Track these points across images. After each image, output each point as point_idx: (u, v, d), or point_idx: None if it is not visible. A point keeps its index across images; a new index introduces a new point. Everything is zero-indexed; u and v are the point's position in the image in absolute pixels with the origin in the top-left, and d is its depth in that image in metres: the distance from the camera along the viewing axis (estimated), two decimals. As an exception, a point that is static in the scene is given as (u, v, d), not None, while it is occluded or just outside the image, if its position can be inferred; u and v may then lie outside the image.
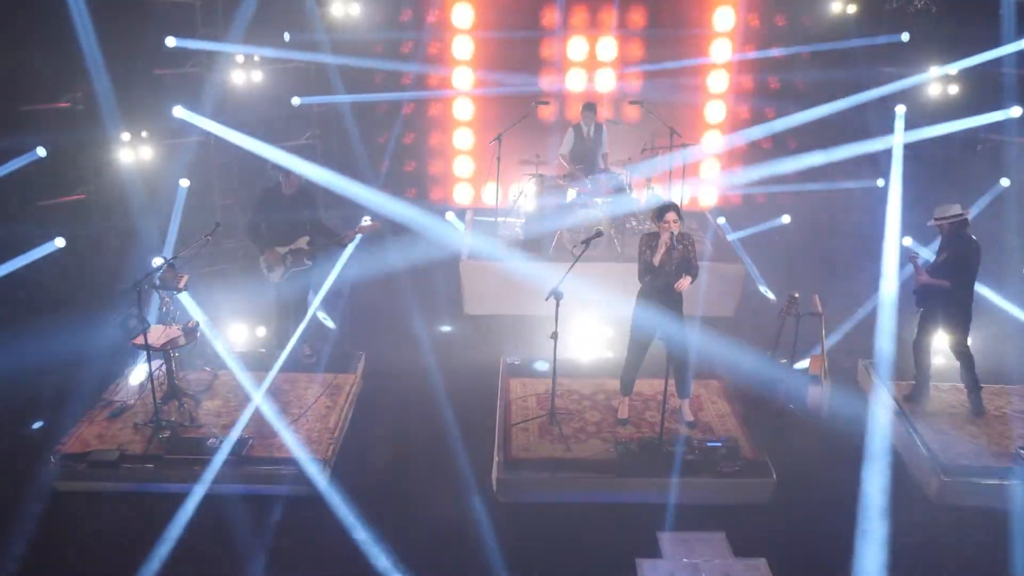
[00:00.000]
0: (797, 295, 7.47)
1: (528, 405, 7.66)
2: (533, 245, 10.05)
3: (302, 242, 8.12)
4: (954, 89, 11.32)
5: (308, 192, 8.40)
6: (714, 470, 6.66)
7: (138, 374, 7.83)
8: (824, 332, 7.69)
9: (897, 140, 11.05)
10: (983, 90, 11.06)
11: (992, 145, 11.26)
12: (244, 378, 7.80)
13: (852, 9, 11.88)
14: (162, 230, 9.98)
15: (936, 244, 7.84)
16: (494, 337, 9.20)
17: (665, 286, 6.84)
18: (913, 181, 10.82)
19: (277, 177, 8.13)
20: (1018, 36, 10.42)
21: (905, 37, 11.33)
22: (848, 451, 7.19)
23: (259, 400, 7.44)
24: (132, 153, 10.08)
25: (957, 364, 7.67)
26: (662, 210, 6.75)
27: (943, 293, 7.36)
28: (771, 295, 10.13)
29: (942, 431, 7.33)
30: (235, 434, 7.00)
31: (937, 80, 11.38)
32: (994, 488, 6.69)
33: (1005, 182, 10.59)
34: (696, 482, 6.62)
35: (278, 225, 8.05)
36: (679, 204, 7.29)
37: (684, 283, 6.83)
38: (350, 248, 9.45)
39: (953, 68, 11.15)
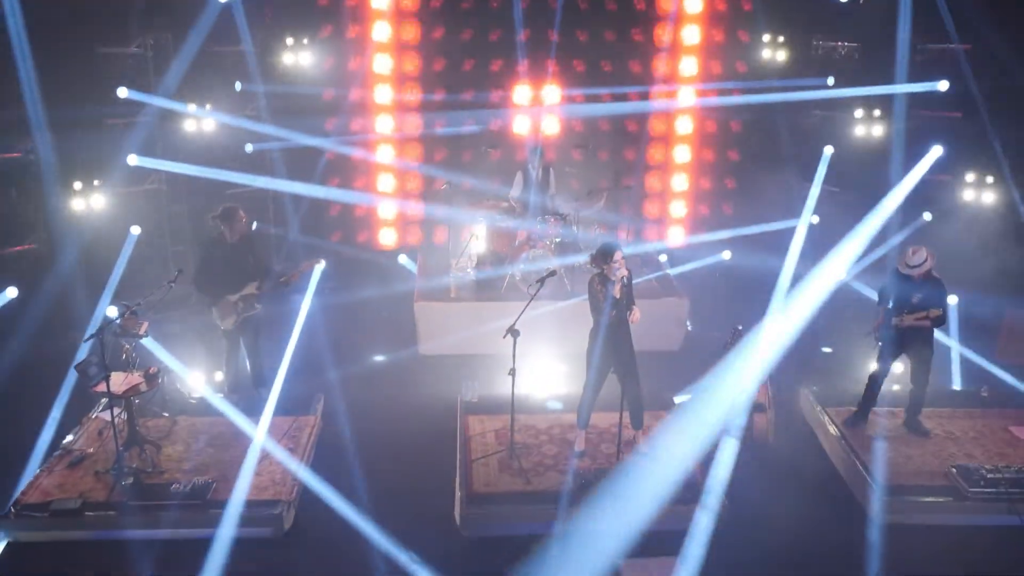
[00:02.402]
0: (740, 327, 7.82)
1: (487, 441, 7.84)
2: (485, 285, 10.28)
3: (251, 287, 8.20)
4: (878, 130, 11.96)
5: (250, 237, 8.47)
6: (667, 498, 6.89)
7: (97, 422, 7.82)
8: (767, 362, 8.04)
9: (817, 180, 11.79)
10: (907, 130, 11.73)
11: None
12: (242, 422, 7.90)
13: (781, 56, 12.52)
14: (117, 278, 9.96)
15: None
16: (450, 376, 9.36)
17: (618, 320, 7.12)
18: (839, 218, 11.47)
19: (219, 227, 8.16)
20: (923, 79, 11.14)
21: (831, 81, 11.95)
22: (794, 476, 7.52)
23: (260, 440, 7.49)
24: (83, 202, 10.10)
25: (900, 388, 8.10)
26: (610, 249, 7.05)
27: (919, 329, 7.77)
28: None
29: (881, 453, 7.69)
30: (199, 478, 7.04)
31: (862, 121, 12.04)
32: (932, 505, 7.06)
33: (927, 216, 11.19)
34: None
35: (226, 274, 8.11)
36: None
37: (637, 315, 7.13)
38: (313, 285, 9.56)
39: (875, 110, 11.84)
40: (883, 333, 7.92)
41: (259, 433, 7.69)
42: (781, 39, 12.54)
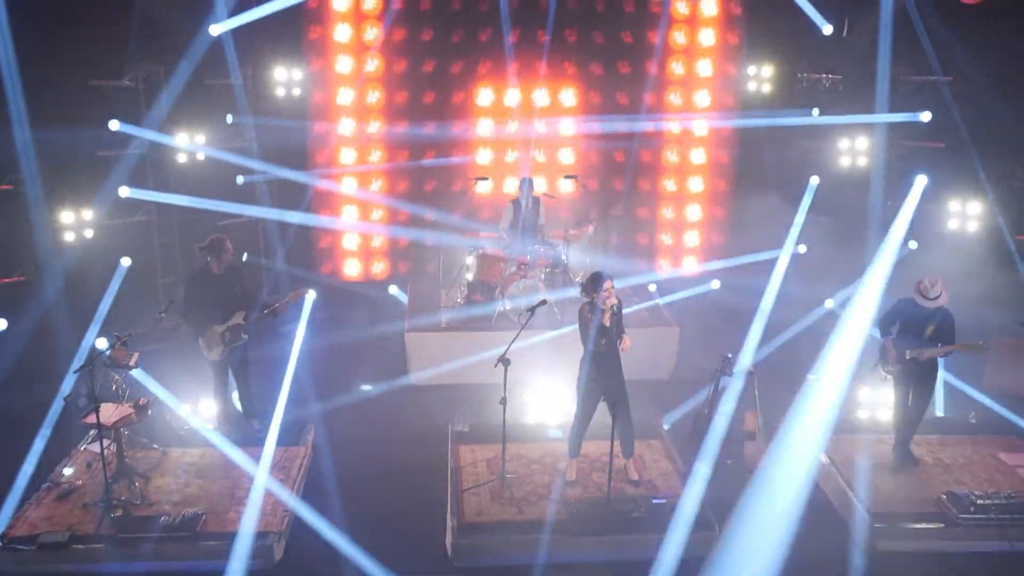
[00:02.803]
0: (730, 355, 7.86)
1: (479, 470, 7.83)
2: (476, 315, 10.30)
3: (238, 317, 8.19)
4: (863, 160, 12.13)
5: (237, 267, 8.49)
6: (660, 526, 6.89)
7: (85, 454, 7.77)
8: (757, 390, 8.08)
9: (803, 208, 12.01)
10: (890, 158, 11.93)
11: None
12: (232, 453, 7.89)
13: (767, 88, 12.72)
14: (105, 310, 9.94)
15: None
16: (441, 405, 9.35)
17: (608, 349, 7.16)
18: (821, 247, 11.69)
19: (205, 258, 8.16)
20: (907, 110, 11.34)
21: (815, 112, 12.14)
22: (785, 503, 7.53)
23: (263, 479, 7.43)
24: (73, 233, 10.12)
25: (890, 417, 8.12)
26: (599, 279, 7.10)
27: (930, 360, 7.72)
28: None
29: (871, 481, 7.71)
30: (189, 509, 7.00)
31: (847, 152, 12.22)
32: (922, 532, 7.08)
33: (913, 244, 11.32)
34: (644, 539, 6.83)
35: (213, 305, 8.11)
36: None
37: (627, 343, 7.17)
38: (305, 315, 9.57)
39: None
40: (896, 366, 7.81)
41: (261, 463, 7.68)
42: (767, 72, 12.75)
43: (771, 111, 12.32)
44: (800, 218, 11.96)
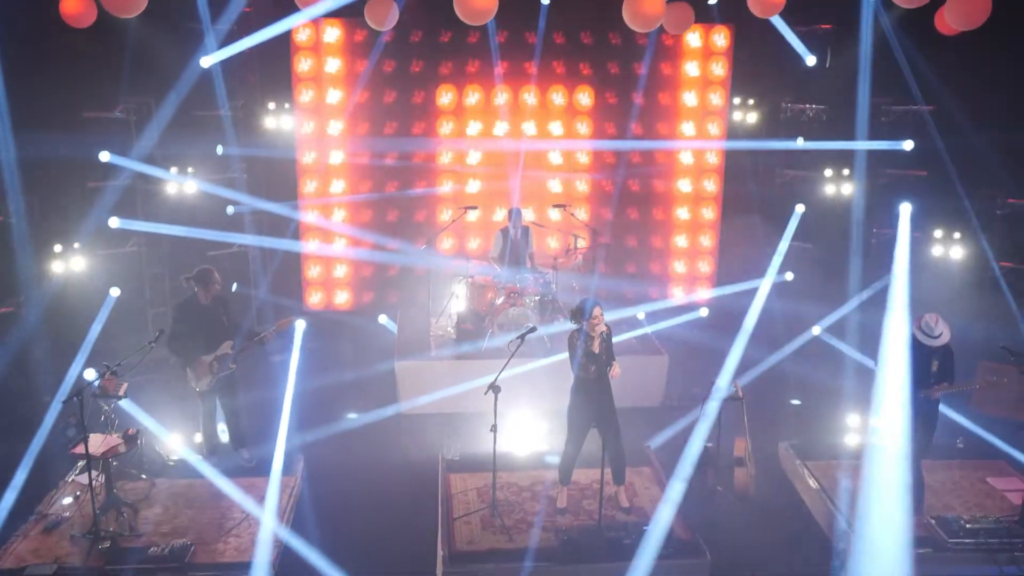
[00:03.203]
0: (717, 381, 7.91)
1: (469, 499, 7.82)
2: (465, 343, 10.33)
3: (226, 347, 8.20)
4: (847, 188, 12.29)
5: (224, 297, 8.52)
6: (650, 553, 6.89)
7: (73, 485, 7.73)
8: (746, 416, 8.12)
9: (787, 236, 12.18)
10: (874, 187, 12.10)
11: (884, 239, 12.17)
12: (226, 485, 7.86)
13: (752, 118, 12.92)
14: (92, 340, 9.92)
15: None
16: (431, 434, 9.34)
17: (598, 376, 7.19)
18: (809, 275, 11.83)
19: (193, 289, 8.19)
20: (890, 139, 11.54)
21: (800, 142, 12.32)
22: (775, 529, 7.56)
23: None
24: (63, 264, 10.13)
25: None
26: (589, 306, 7.15)
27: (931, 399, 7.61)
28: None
29: (860, 506, 7.72)
30: (177, 540, 6.96)
31: (831, 180, 12.39)
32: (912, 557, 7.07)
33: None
34: (634, 566, 6.82)
35: (201, 335, 8.12)
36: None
37: (617, 370, 7.21)
38: (297, 344, 9.57)
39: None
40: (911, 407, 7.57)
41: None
42: (751, 102, 12.95)
43: (756, 140, 12.54)
44: (784, 245, 12.08)
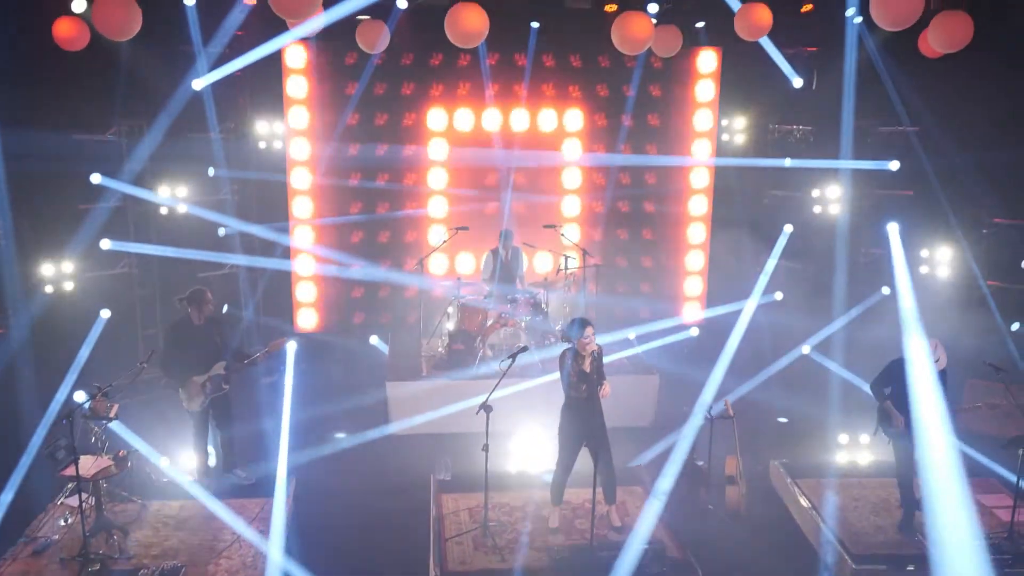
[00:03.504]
0: (708, 399, 7.97)
1: (461, 519, 7.82)
2: (457, 363, 10.36)
3: (219, 367, 8.22)
4: (835, 208, 12.43)
5: (216, 318, 8.54)
6: (643, 572, 6.90)
7: (62, 508, 7.69)
8: (737, 434, 8.17)
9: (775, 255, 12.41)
10: (861, 207, 12.24)
11: (873, 258, 12.30)
12: (217, 507, 7.87)
13: (740, 139, 13.08)
14: (81, 361, 9.90)
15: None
16: (422, 455, 9.34)
17: (589, 395, 7.23)
18: (798, 294, 12.01)
19: (186, 309, 8.22)
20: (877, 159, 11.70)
21: (787, 162, 12.46)
22: (767, 547, 7.59)
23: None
24: (54, 286, 10.13)
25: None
26: (582, 324, 7.20)
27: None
28: None
29: (850, 523, 7.81)
30: (168, 563, 6.94)
31: (818, 201, 12.53)
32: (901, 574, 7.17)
33: (886, 290, 11.56)
34: None
35: (193, 356, 8.14)
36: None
37: (607, 389, 7.25)
38: (290, 365, 9.60)
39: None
40: (902, 430, 7.65)
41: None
42: (740, 124, 13.11)
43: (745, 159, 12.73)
44: (772, 264, 12.19)
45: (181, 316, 8.28)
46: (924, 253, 11.72)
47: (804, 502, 8.19)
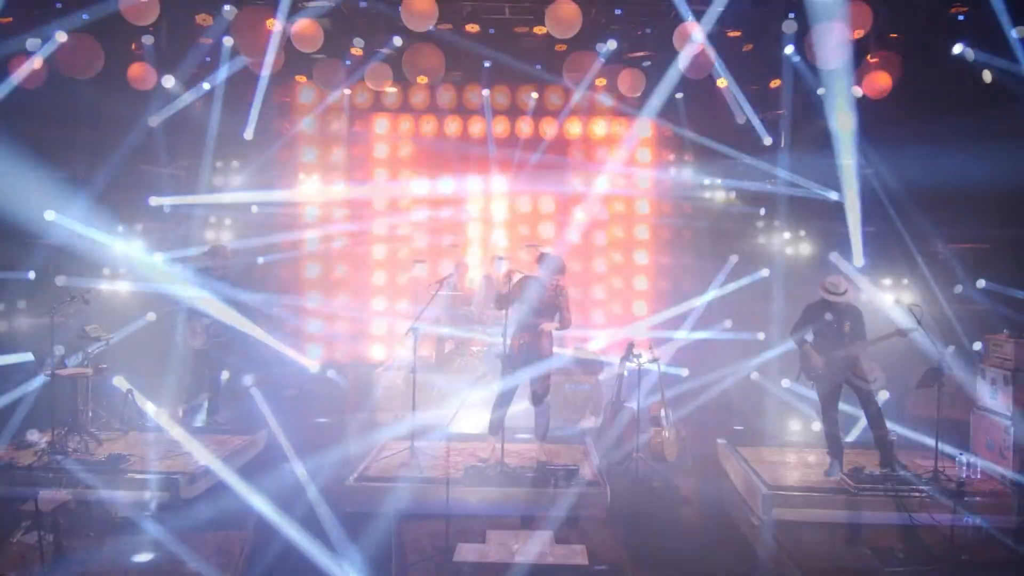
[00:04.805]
0: (633, 342, 9.74)
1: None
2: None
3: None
4: (807, 249, 14.38)
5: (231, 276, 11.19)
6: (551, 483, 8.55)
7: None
8: (662, 383, 9.93)
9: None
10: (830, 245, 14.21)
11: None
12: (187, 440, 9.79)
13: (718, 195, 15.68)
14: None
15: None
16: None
17: (531, 336, 9.21)
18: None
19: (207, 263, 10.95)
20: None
21: (762, 212, 15.05)
22: (694, 488, 9.33)
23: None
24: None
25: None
26: (560, 265, 9.25)
27: (848, 358, 9.07)
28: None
29: (773, 465, 9.43)
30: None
31: (790, 242, 14.73)
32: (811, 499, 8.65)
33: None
34: (537, 492, 8.53)
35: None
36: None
37: (549, 327, 9.18)
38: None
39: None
40: (823, 369, 9.06)
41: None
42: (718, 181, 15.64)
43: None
44: (711, 295, 14.51)
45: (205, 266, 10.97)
46: (887, 282, 13.40)
47: (735, 460, 9.71)
